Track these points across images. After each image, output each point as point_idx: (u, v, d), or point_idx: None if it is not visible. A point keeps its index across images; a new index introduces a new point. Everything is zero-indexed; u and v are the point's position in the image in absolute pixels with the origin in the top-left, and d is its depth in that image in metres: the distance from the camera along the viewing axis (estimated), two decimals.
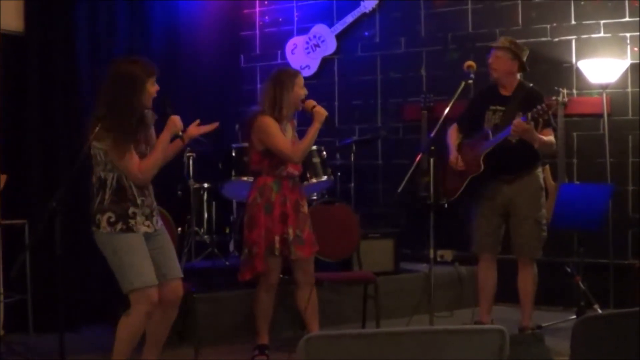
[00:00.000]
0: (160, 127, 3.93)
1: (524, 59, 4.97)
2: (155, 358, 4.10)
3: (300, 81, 4.58)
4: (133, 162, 3.77)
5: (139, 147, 3.83)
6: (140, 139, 3.86)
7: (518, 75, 5.02)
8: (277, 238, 4.52)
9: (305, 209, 4.68)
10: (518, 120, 4.71)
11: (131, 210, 3.80)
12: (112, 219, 3.77)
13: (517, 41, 5.06)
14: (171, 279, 3.96)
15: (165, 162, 3.94)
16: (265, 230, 4.51)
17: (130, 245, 3.79)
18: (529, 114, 4.69)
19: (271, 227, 4.52)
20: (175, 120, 3.89)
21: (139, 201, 3.83)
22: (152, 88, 3.86)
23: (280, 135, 4.49)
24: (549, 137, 4.95)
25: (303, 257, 4.61)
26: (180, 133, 3.89)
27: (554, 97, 4.91)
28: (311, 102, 4.57)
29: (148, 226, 3.87)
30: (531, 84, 5.06)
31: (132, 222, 3.80)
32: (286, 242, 4.54)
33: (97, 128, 3.68)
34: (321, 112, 4.51)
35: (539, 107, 4.69)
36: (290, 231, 4.53)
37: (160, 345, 4.11)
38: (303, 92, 4.58)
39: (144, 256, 3.82)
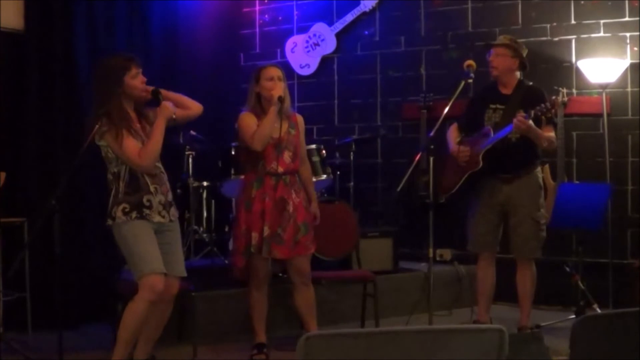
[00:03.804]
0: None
1: (524, 56, 4.98)
2: (146, 357, 4.11)
3: (267, 74, 4.51)
4: (131, 148, 3.83)
5: (139, 139, 3.90)
6: (138, 130, 3.93)
7: (518, 74, 5.02)
8: (254, 235, 4.47)
9: (292, 207, 4.51)
10: (520, 117, 4.69)
11: (145, 198, 3.90)
12: (127, 209, 3.86)
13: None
14: (169, 277, 3.99)
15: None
16: (245, 226, 4.50)
17: (140, 233, 3.87)
18: (532, 112, 4.68)
19: (250, 224, 4.49)
20: (167, 105, 3.99)
21: (152, 188, 3.93)
22: (134, 80, 3.93)
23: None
24: (550, 134, 4.94)
25: (279, 257, 4.52)
26: (174, 116, 3.98)
27: (554, 97, 4.91)
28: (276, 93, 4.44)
29: (163, 216, 3.95)
30: (531, 82, 5.05)
31: (146, 211, 3.89)
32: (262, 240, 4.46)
33: (97, 126, 3.73)
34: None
35: (542, 105, 4.68)
36: (266, 228, 4.44)
37: (152, 344, 4.13)
38: (270, 84, 4.48)
39: (152, 245, 3.89)
